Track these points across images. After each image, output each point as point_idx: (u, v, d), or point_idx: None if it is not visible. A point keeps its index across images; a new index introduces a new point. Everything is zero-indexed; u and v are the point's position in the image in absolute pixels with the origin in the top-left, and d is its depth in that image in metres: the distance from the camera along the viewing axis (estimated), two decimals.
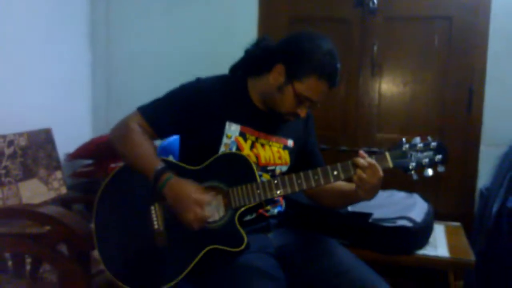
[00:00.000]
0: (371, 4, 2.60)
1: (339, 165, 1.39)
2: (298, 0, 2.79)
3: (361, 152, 1.38)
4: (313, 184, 1.40)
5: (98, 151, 2.64)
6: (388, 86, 2.70)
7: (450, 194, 2.56)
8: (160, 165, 1.41)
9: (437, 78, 2.62)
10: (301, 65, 1.42)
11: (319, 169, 1.40)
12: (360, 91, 2.71)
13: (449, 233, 2.17)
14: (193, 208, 1.35)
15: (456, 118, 2.57)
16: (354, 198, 1.44)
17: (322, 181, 1.40)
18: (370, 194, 1.39)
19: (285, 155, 1.58)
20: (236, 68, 1.60)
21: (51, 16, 2.72)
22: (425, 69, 2.64)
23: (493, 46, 2.50)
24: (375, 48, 2.65)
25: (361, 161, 1.35)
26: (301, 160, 1.64)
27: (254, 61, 1.54)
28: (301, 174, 1.41)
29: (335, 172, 1.39)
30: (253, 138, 1.52)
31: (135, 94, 2.95)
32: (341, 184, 1.51)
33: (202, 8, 2.94)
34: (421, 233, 1.95)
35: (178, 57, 2.99)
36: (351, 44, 2.70)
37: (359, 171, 1.35)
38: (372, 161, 1.35)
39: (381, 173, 1.34)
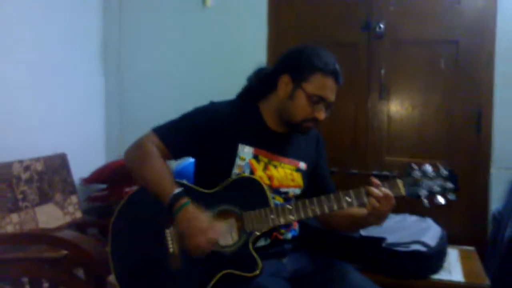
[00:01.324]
0: (377, 29, 2.64)
1: (352, 192, 1.41)
2: (305, 24, 2.84)
3: (374, 180, 1.40)
4: (326, 210, 1.42)
5: (112, 176, 2.67)
6: (397, 109, 2.72)
7: (463, 218, 2.54)
8: (178, 189, 1.43)
9: (445, 100, 2.63)
10: (304, 66, 1.48)
11: (332, 195, 1.42)
12: (369, 114, 2.74)
13: (463, 258, 2.16)
14: (199, 238, 1.37)
15: (465, 140, 2.57)
16: (365, 223, 1.47)
17: (335, 207, 1.41)
18: (380, 220, 1.42)
19: (298, 178, 1.60)
20: (242, 96, 1.65)
21: (64, 40, 2.78)
22: (433, 92, 2.66)
23: (500, 67, 2.52)
24: (383, 71, 2.68)
25: (375, 191, 1.37)
26: (313, 183, 1.66)
27: (258, 86, 1.60)
28: (315, 199, 1.42)
29: (349, 199, 1.41)
30: (265, 160, 1.54)
31: (148, 118, 2.99)
32: (352, 209, 1.51)
33: (213, 30, 2.99)
34: (435, 257, 1.95)
35: (190, 78, 3.03)
36: (359, 68, 2.74)
37: (372, 200, 1.37)
38: (387, 191, 1.37)
39: (394, 202, 1.37)
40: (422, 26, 2.65)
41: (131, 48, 3.18)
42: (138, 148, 1.54)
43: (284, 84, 1.51)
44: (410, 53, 2.68)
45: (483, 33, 2.55)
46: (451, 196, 1.39)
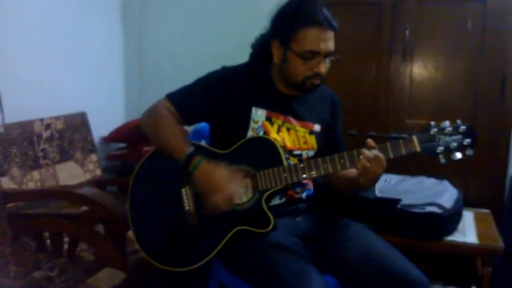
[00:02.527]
0: None
1: (345, 154, 1.41)
2: None
3: (369, 141, 1.40)
4: (339, 168, 1.42)
5: (132, 135, 2.71)
6: (420, 71, 2.66)
7: (480, 181, 2.52)
8: (190, 149, 1.46)
9: (470, 63, 2.56)
10: (287, 27, 1.45)
11: (345, 154, 1.42)
12: (390, 76, 2.68)
13: (478, 220, 2.15)
14: (221, 191, 1.40)
15: (488, 103, 2.51)
16: (356, 184, 1.46)
17: (348, 165, 1.41)
18: (370, 182, 1.42)
19: (312, 140, 1.60)
20: (253, 60, 1.64)
21: (85, 0, 2.77)
22: (457, 54, 2.58)
23: None
24: (407, 32, 2.61)
25: (366, 152, 1.37)
26: (325, 144, 1.66)
27: (259, 54, 1.59)
28: (327, 158, 1.43)
29: (342, 161, 1.41)
30: (279, 122, 1.55)
31: (167, 78, 3.00)
32: (348, 171, 1.52)
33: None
34: (450, 219, 1.94)
35: (210, 40, 3.02)
36: (382, 28, 2.66)
37: (362, 160, 1.36)
38: (378, 153, 1.36)
39: (385, 163, 1.36)
40: None
41: (152, 9, 3.15)
42: (152, 113, 1.57)
43: (276, 49, 1.51)
44: (436, 12, 2.58)
45: None
46: (469, 152, 1.36)
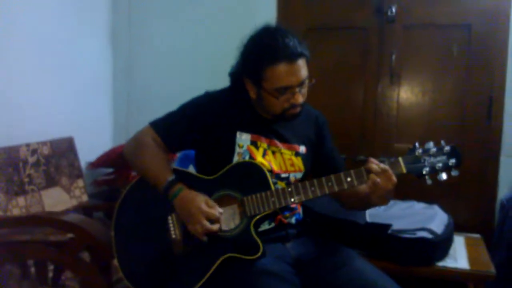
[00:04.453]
0: (389, 13, 2.59)
1: (352, 171, 1.39)
2: (316, 8, 2.80)
3: (371, 158, 1.39)
4: (326, 191, 1.40)
5: (119, 160, 2.66)
6: (407, 95, 2.68)
7: (470, 205, 2.53)
8: (171, 177, 1.45)
9: (456, 86, 2.60)
10: (254, 67, 1.43)
11: (332, 176, 1.40)
12: (378, 100, 2.71)
13: (469, 245, 2.14)
14: (200, 220, 1.39)
15: (475, 127, 2.54)
16: (368, 202, 1.44)
17: (335, 188, 1.40)
18: (383, 200, 1.39)
19: (298, 162, 1.58)
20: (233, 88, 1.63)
21: (73, 23, 2.76)
22: (444, 78, 2.62)
23: None
24: (394, 56, 2.64)
25: (374, 166, 1.35)
26: (320, 165, 1.64)
27: (235, 87, 1.58)
28: (315, 181, 1.41)
29: (349, 179, 1.39)
30: (264, 145, 1.54)
31: (155, 101, 3.02)
32: (357, 189, 1.49)
33: (222, 12, 2.97)
34: (441, 245, 1.93)
35: (198, 62, 3.02)
36: (370, 53, 2.70)
37: (372, 176, 1.35)
38: (385, 166, 1.35)
39: (394, 178, 1.34)
40: (434, 9, 2.59)
41: (141, 32, 3.16)
42: (135, 142, 1.57)
43: (249, 86, 1.50)
44: (422, 37, 2.64)
45: (497, 17, 2.49)
46: (454, 172, 1.36)
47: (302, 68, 1.42)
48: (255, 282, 1.36)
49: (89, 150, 2.78)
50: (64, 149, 2.49)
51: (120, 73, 3.19)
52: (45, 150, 2.35)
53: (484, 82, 2.52)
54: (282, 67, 1.40)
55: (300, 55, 1.41)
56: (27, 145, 2.25)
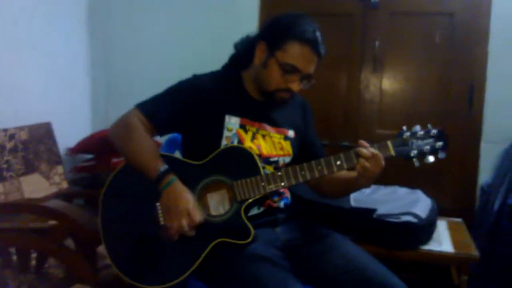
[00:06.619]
0: None
1: (341, 155, 1.40)
2: None
3: (362, 141, 1.39)
4: (316, 174, 1.41)
5: (99, 146, 2.62)
6: (390, 82, 2.70)
7: (451, 190, 2.57)
8: (163, 166, 1.42)
9: (439, 74, 2.63)
10: (281, 34, 1.44)
11: (322, 160, 1.41)
12: (361, 87, 2.72)
13: (452, 229, 2.19)
14: (181, 219, 1.36)
15: (457, 114, 2.58)
16: (354, 185, 1.47)
17: (325, 172, 1.40)
18: (370, 182, 1.41)
19: (287, 146, 1.58)
20: (228, 66, 1.62)
21: (50, 8, 2.69)
22: (426, 65, 2.65)
23: (494, 42, 2.52)
24: (377, 43, 2.65)
25: (364, 151, 1.36)
26: (302, 151, 1.64)
27: (241, 53, 1.57)
28: (305, 165, 1.41)
29: (338, 162, 1.40)
30: (253, 129, 1.53)
31: (134, 87, 2.98)
32: (341, 173, 1.50)
33: (203, 1, 2.93)
34: (426, 228, 1.96)
35: (178, 50, 2.98)
36: (353, 40, 2.71)
37: (362, 161, 1.36)
38: (375, 151, 1.36)
39: (383, 162, 1.36)
40: None
41: (119, 18, 3.09)
42: (122, 124, 1.52)
43: (260, 51, 1.49)
44: (406, 25, 2.65)
45: (479, 5, 2.53)
46: (441, 155, 1.38)
47: (315, 64, 1.47)
48: (247, 267, 1.35)
49: (68, 136, 2.71)
50: (42, 135, 2.42)
51: (98, 59, 3.11)
52: (23, 135, 2.28)
53: (466, 70, 2.56)
54: (304, 48, 1.42)
55: (320, 54, 1.45)
56: (4, 130, 2.19)
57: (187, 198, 1.39)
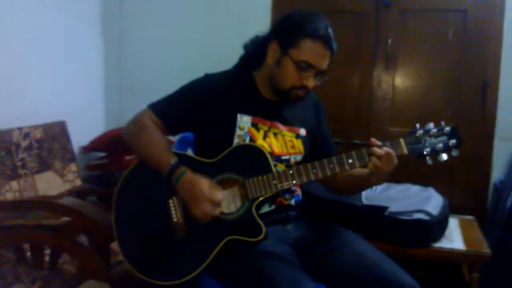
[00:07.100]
0: None
1: (353, 153, 1.39)
2: None
3: (373, 140, 1.39)
4: (328, 173, 1.40)
5: (112, 144, 2.65)
6: (402, 79, 2.69)
7: (464, 188, 2.55)
8: (174, 160, 1.43)
9: (451, 71, 2.60)
10: (292, 32, 1.44)
11: (334, 158, 1.40)
12: (374, 84, 2.71)
13: (464, 227, 2.17)
14: (203, 204, 1.37)
15: (470, 111, 2.56)
16: (366, 183, 1.47)
17: (337, 170, 1.40)
18: (382, 180, 1.42)
19: (299, 144, 1.58)
20: (239, 67, 1.62)
21: (64, 8, 2.71)
22: (439, 62, 2.63)
23: (507, 39, 2.49)
24: (389, 41, 2.64)
25: (377, 150, 1.35)
26: (315, 149, 1.64)
27: (252, 53, 1.57)
28: (316, 163, 1.41)
29: (350, 161, 1.39)
30: (265, 128, 1.53)
31: (147, 86, 2.99)
32: (353, 170, 1.49)
33: (216, 1, 2.95)
34: (437, 226, 1.95)
35: (191, 49, 3.00)
36: (365, 37, 2.69)
37: (374, 160, 1.35)
38: (389, 149, 1.35)
39: (396, 160, 1.35)
40: None
41: (133, 18, 3.12)
42: (135, 124, 1.54)
43: (273, 50, 1.49)
44: (418, 22, 2.63)
45: (492, 2, 2.50)
46: (455, 153, 1.37)
47: (328, 59, 1.47)
48: (258, 264, 1.36)
49: (81, 134, 2.74)
50: (56, 133, 2.45)
51: (112, 59, 3.14)
52: (38, 134, 2.31)
53: (479, 67, 2.53)
54: (317, 45, 1.42)
55: (333, 49, 1.46)
56: (19, 129, 2.21)
57: (202, 182, 1.40)
